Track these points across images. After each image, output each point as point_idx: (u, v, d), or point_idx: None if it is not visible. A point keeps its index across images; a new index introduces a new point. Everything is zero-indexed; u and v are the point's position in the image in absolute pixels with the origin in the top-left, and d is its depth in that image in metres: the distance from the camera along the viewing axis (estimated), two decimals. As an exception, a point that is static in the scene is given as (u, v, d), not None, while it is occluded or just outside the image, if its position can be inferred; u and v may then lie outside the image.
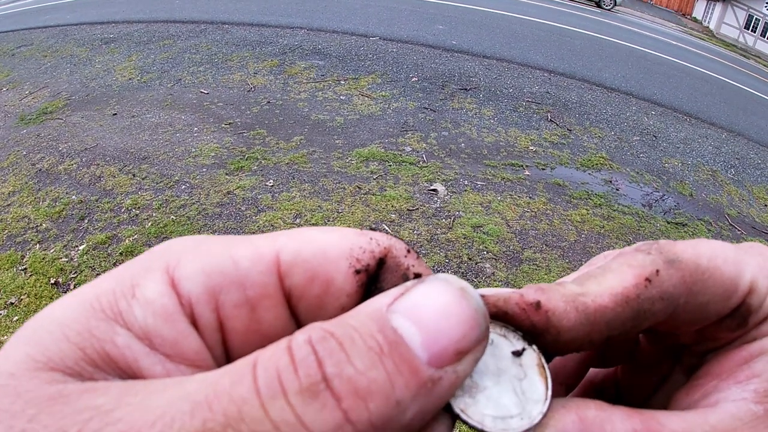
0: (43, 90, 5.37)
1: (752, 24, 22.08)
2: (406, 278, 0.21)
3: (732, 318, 0.23)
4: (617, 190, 3.98)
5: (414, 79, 5.38)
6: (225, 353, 0.19)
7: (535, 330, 0.21)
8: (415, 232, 3.11)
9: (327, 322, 0.17)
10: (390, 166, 3.80)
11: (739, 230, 3.86)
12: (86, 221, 3.21)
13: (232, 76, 5.35)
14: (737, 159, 5.14)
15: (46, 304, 0.21)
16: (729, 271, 0.22)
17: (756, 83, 10.23)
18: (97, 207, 3.33)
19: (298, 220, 3.17)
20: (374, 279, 0.21)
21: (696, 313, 0.23)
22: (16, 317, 2.55)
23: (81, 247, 2.99)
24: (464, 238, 3.09)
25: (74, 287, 2.71)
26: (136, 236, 3.05)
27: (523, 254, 3.04)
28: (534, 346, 0.21)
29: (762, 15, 21.47)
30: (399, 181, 3.63)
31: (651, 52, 8.99)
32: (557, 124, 4.86)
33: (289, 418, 0.15)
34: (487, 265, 2.91)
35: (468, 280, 2.78)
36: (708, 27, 23.02)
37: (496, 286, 2.69)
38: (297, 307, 0.20)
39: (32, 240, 3.08)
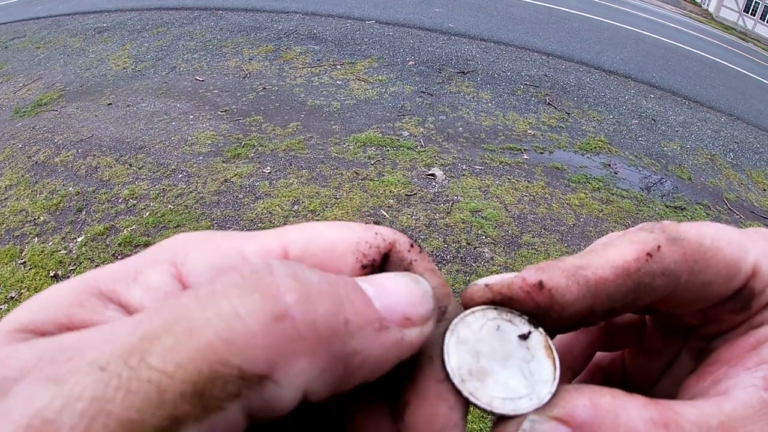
0: (37, 82, 5.32)
1: (752, 7, 21.92)
2: None
3: (735, 300, 0.23)
4: (616, 173, 3.97)
5: (411, 62, 5.33)
6: None
7: (540, 310, 0.21)
8: (413, 217, 3.11)
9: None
10: (387, 151, 3.78)
11: (737, 214, 3.86)
12: (84, 213, 3.20)
13: (227, 62, 5.30)
14: (736, 143, 5.12)
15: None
16: (732, 252, 0.22)
17: (755, 67, 10.17)
18: (95, 198, 3.31)
19: (295, 207, 3.16)
20: (380, 269, 0.22)
21: (697, 292, 0.23)
22: (16, 308, 2.55)
23: (79, 239, 2.99)
24: (463, 223, 3.09)
25: (73, 277, 2.70)
26: (134, 226, 3.05)
27: (521, 238, 3.04)
28: (540, 329, 0.21)
29: (762, -4, 21.29)
30: (397, 166, 3.61)
31: (650, 34, 8.91)
32: (555, 108, 4.83)
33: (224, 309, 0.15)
34: (486, 250, 2.91)
35: (467, 264, 2.79)
36: (707, 10, 22.82)
37: (495, 271, 2.71)
38: None
39: (30, 233, 3.08)
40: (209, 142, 3.87)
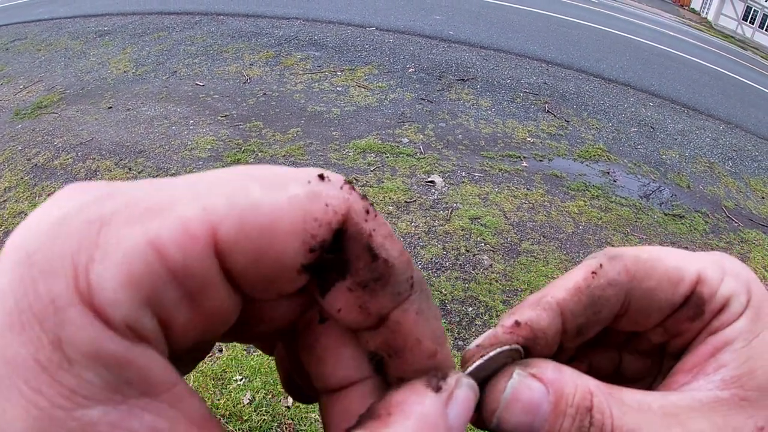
0: (38, 84, 5.32)
1: (750, 15, 22.03)
2: (369, 249, 0.19)
3: (687, 308, 0.25)
4: (615, 181, 3.98)
5: (411, 69, 5.35)
6: (165, 341, 0.17)
7: (528, 341, 0.25)
8: (412, 224, 3.11)
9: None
10: (387, 157, 3.79)
11: (736, 222, 3.86)
12: (82, 215, 3.19)
13: (228, 67, 5.31)
14: (735, 151, 5.14)
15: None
16: (672, 261, 0.25)
17: (754, 75, 10.21)
18: (93, 201, 3.31)
19: (295, 213, 3.16)
20: (332, 247, 0.19)
21: (647, 299, 0.25)
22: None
23: (77, 241, 2.98)
24: (462, 230, 3.09)
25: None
26: (132, 230, 3.04)
27: (520, 246, 3.04)
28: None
29: (760, 6, 21.41)
30: (396, 172, 3.62)
31: (649, 42, 8.96)
32: (555, 115, 4.84)
33: None
34: (485, 257, 2.91)
35: (466, 272, 2.78)
36: (706, 18, 22.94)
37: (493, 278, 2.71)
38: (241, 286, 0.18)
39: (28, 234, 3.07)
40: (209, 147, 3.87)
